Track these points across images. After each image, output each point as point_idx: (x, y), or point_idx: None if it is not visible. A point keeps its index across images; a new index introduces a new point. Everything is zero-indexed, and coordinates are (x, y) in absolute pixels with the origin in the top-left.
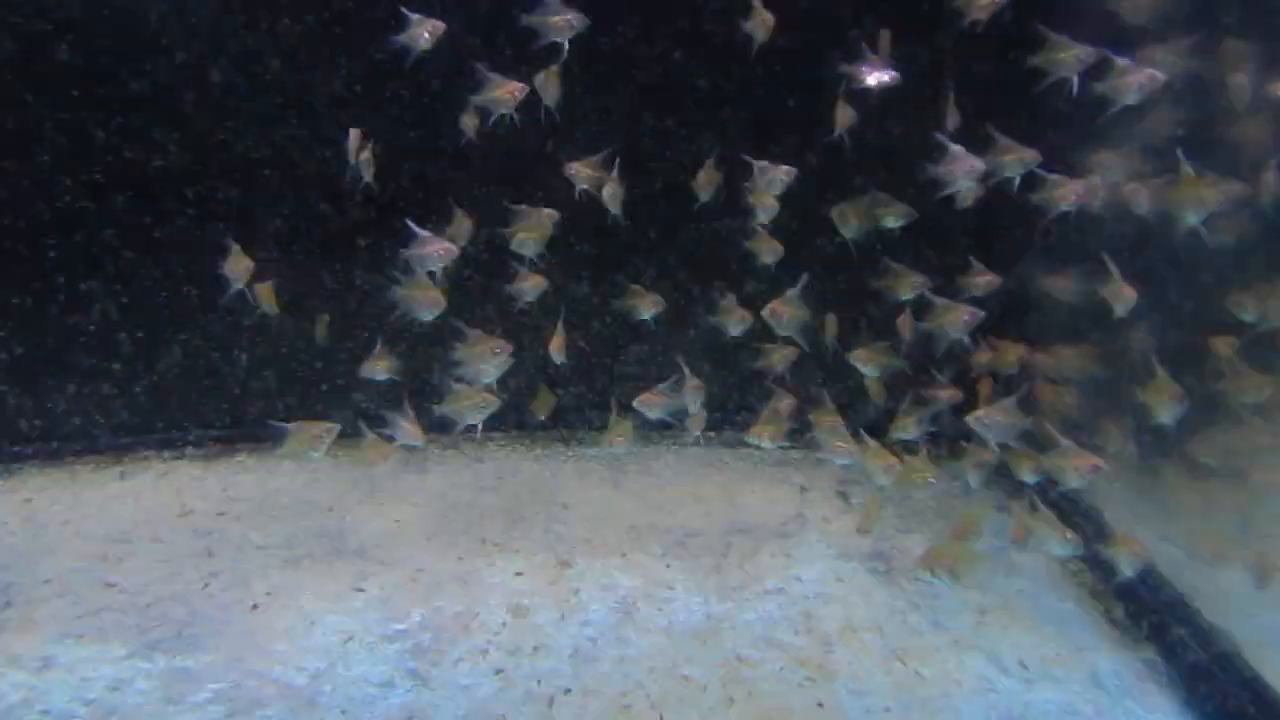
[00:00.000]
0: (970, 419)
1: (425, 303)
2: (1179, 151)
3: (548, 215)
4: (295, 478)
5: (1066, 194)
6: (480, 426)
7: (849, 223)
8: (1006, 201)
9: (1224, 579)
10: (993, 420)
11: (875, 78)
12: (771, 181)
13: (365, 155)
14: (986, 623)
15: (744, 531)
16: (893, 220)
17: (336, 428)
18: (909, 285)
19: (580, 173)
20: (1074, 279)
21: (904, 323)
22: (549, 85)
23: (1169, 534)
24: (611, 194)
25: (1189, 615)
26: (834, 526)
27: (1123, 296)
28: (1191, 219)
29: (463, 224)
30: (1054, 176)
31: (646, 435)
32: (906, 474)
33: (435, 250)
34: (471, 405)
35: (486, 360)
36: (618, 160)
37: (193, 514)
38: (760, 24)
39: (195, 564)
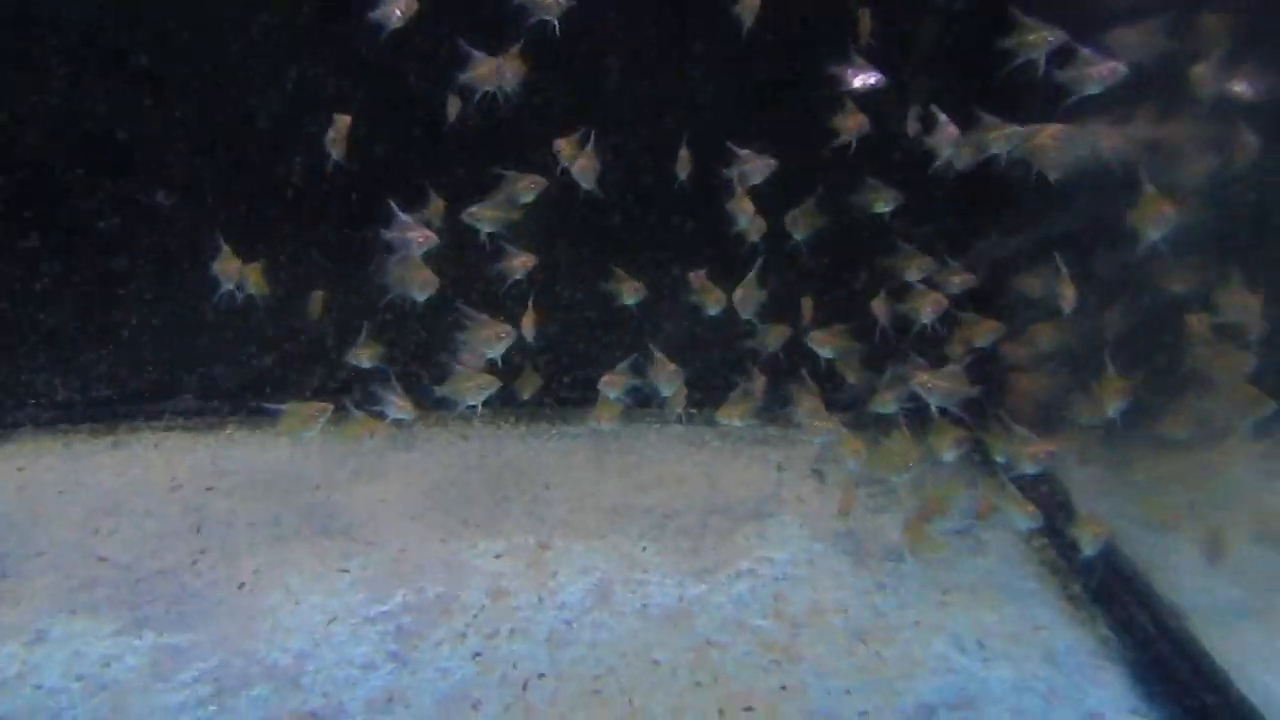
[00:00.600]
0: (914, 383)
1: (418, 283)
2: (1140, 169)
3: (533, 182)
4: (284, 452)
5: (1044, 143)
6: (479, 407)
7: (800, 229)
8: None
9: (1178, 551)
10: (936, 385)
11: (862, 80)
12: (750, 172)
13: (335, 136)
14: (949, 602)
15: (721, 512)
16: (882, 205)
17: (330, 408)
18: (916, 267)
19: (566, 150)
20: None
21: (879, 305)
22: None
23: (1129, 508)
24: (582, 169)
25: (1142, 590)
26: (808, 507)
27: (1068, 295)
28: (1154, 235)
29: (438, 207)
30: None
31: (630, 413)
32: (886, 457)
33: (415, 236)
34: (472, 387)
35: (492, 344)
36: (593, 136)
37: (183, 488)
38: (748, 6)
39: (185, 540)
